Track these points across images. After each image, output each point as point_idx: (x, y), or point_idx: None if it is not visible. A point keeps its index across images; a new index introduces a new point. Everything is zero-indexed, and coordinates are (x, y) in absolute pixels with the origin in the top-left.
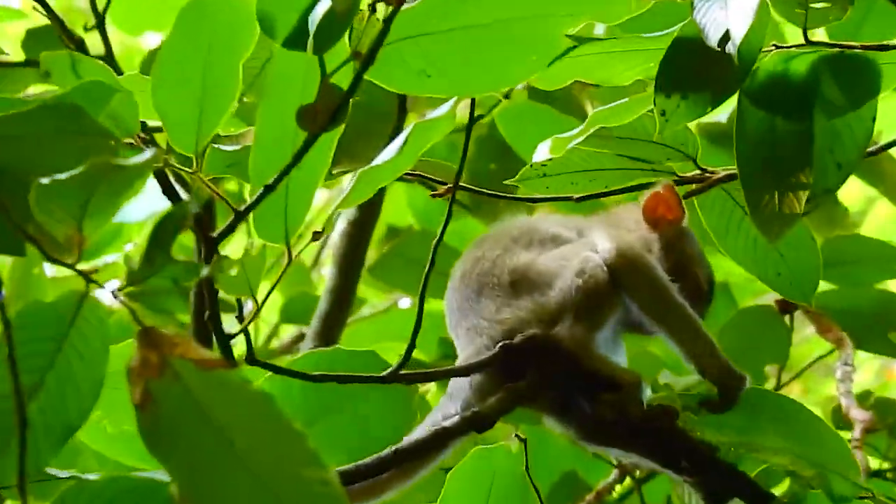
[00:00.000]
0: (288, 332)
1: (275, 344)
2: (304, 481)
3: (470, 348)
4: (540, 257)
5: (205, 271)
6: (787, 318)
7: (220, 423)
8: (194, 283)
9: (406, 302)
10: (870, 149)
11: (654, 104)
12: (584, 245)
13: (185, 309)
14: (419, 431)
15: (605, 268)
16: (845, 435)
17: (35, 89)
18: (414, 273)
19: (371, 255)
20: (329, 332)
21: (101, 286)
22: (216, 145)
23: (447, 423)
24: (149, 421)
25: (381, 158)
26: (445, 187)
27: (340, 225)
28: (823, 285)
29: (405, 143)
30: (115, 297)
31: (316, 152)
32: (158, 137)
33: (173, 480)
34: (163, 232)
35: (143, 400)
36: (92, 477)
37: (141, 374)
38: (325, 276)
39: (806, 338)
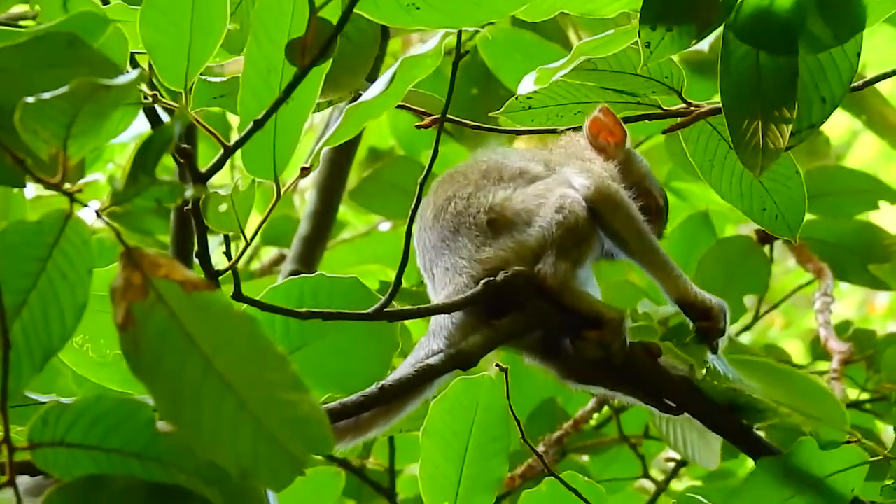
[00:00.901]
0: (268, 253)
1: (255, 265)
2: (287, 405)
3: (450, 287)
4: (515, 194)
5: (189, 192)
6: (766, 249)
7: (204, 345)
8: (174, 205)
9: (386, 225)
10: (856, 83)
11: (639, 36)
12: (559, 181)
13: (165, 229)
14: (403, 369)
15: (583, 203)
16: (824, 366)
17: (19, 8)
18: (395, 197)
19: (352, 178)
20: (310, 254)
21: (85, 206)
22: (203, 77)
23: (432, 361)
24: (131, 342)
25: (368, 94)
26: (430, 118)
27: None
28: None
29: (392, 78)
30: (99, 216)
31: (304, 87)
32: None
33: (155, 402)
34: (148, 152)
35: (125, 321)
36: (68, 401)
37: (124, 296)
38: (306, 198)
39: (787, 269)
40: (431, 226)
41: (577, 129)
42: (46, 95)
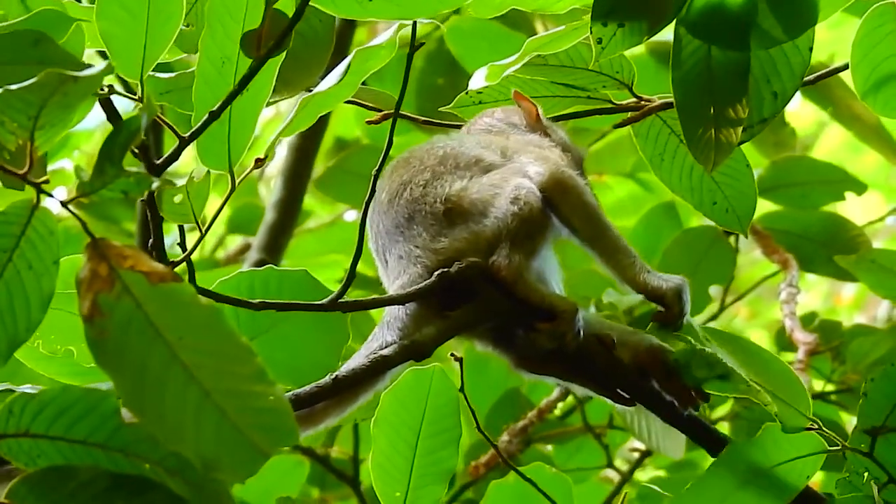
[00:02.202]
0: (234, 242)
1: (221, 254)
2: (251, 395)
3: (404, 276)
4: (472, 184)
5: (155, 184)
6: (731, 240)
7: (168, 336)
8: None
9: (351, 215)
10: (814, 74)
11: (591, 32)
12: (514, 170)
13: (131, 218)
14: (356, 360)
15: (538, 193)
16: (789, 357)
17: None
18: (360, 187)
19: (318, 167)
20: (275, 243)
21: (51, 196)
22: (152, 73)
23: (385, 352)
24: (97, 333)
25: (323, 85)
26: (382, 114)
27: (287, 138)
28: (770, 206)
29: (347, 70)
30: (66, 206)
31: (259, 79)
32: None
33: (120, 392)
34: (114, 144)
35: (91, 312)
36: (33, 390)
37: (90, 286)
38: (272, 187)
39: (753, 260)
40: (386, 210)
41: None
42: (14, 87)
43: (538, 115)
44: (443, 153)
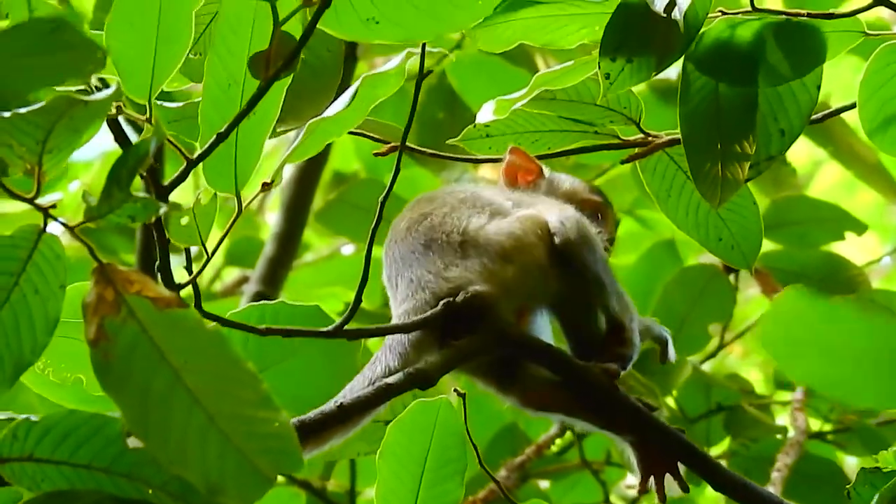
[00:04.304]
0: (231, 274)
1: (217, 286)
2: (256, 421)
3: (410, 301)
4: (490, 223)
5: (163, 210)
6: (731, 277)
7: (174, 361)
8: (140, 224)
9: (349, 248)
10: (816, 115)
11: (599, 67)
12: (531, 216)
13: (130, 248)
14: (358, 384)
15: (551, 240)
16: (786, 395)
17: None
18: (359, 220)
19: (318, 200)
20: (274, 275)
21: (58, 220)
22: (159, 102)
23: (390, 380)
24: (102, 357)
25: (330, 111)
26: (389, 146)
27: (288, 171)
28: (769, 245)
29: (354, 96)
30: (72, 232)
31: (266, 101)
32: None
33: (124, 417)
34: (123, 168)
35: (97, 336)
36: (34, 418)
37: (96, 311)
38: (268, 222)
39: (750, 298)
40: (403, 238)
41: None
42: (23, 110)
43: (540, 172)
44: (463, 195)
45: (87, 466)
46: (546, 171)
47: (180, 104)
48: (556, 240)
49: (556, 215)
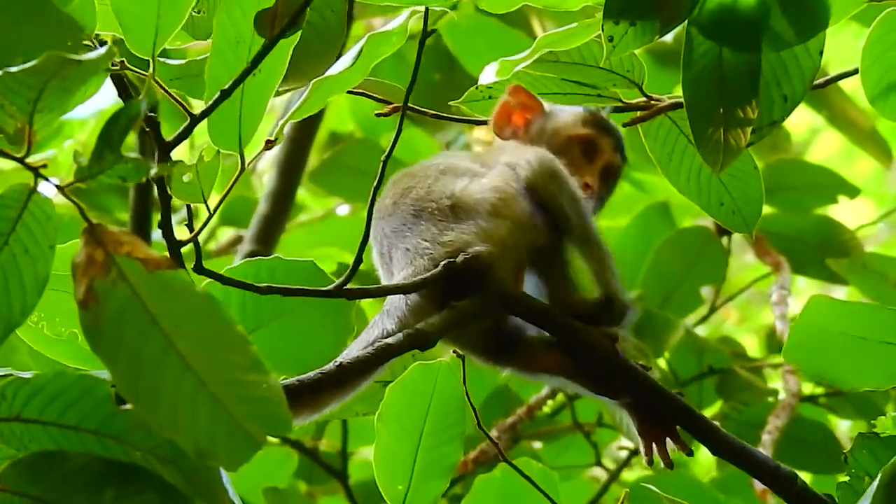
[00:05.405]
0: (225, 234)
1: (212, 246)
2: (246, 385)
3: (409, 269)
4: (472, 184)
5: (154, 171)
6: (724, 241)
7: (164, 323)
8: (133, 183)
9: (344, 209)
10: (817, 80)
11: (602, 30)
12: (502, 172)
13: (124, 207)
14: (357, 347)
15: (523, 186)
16: (779, 359)
17: None
18: (354, 180)
19: (312, 160)
20: (268, 235)
21: (48, 180)
22: (162, 59)
23: (390, 341)
24: (91, 319)
25: (334, 69)
26: (392, 106)
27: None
28: (763, 209)
29: (358, 55)
30: (62, 192)
31: (272, 59)
32: None
33: (114, 379)
34: (114, 128)
35: (86, 298)
36: (27, 375)
37: (85, 272)
38: (264, 182)
39: (743, 265)
40: (391, 213)
41: None
42: (14, 69)
43: (542, 109)
44: (443, 167)
45: (76, 428)
46: (548, 106)
47: (183, 61)
48: (523, 182)
49: (522, 158)
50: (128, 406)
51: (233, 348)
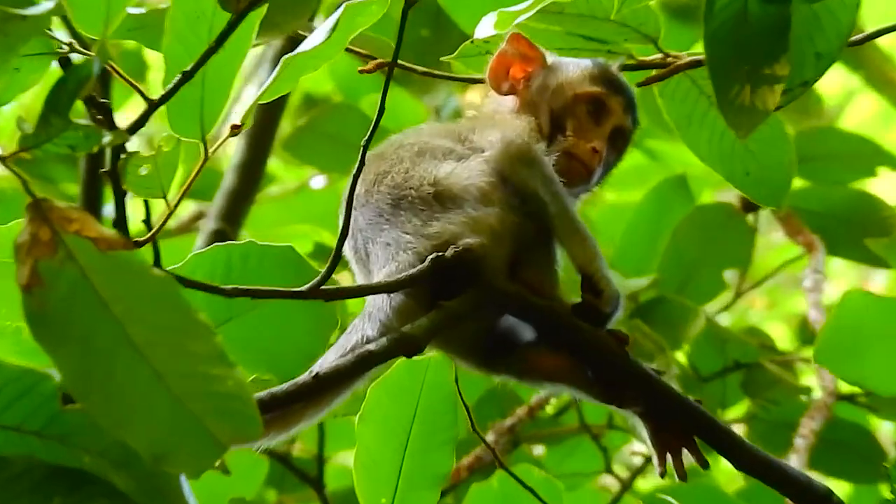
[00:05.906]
0: (186, 209)
1: (172, 223)
2: (209, 379)
3: (392, 265)
4: (458, 168)
5: (107, 138)
6: (750, 218)
7: (117, 310)
8: (84, 153)
9: (319, 181)
10: (855, 37)
11: None
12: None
13: (73, 179)
14: (335, 353)
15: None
16: (811, 351)
17: None
18: (332, 149)
19: (285, 127)
20: (234, 210)
21: None
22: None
23: (373, 347)
24: (36, 305)
25: (307, 44)
26: (376, 62)
27: (252, 91)
28: (794, 182)
29: (334, 27)
30: (3, 162)
31: (238, 35)
32: None
33: (61, 373)
34: (62, 93)
35: (30, 281)
36: None
37: (29, 252)
38: (230, 150)
39: (770, 244)
40: (364, 203)
41: None
42: None
43: (543, 60)
44: (417, 148)
45: (17, 429)
46: (551, 58)
47: (142, 10)
48: (490, 164)
49: (486, 139)
50: (76, 404)
51: (194, 337)
